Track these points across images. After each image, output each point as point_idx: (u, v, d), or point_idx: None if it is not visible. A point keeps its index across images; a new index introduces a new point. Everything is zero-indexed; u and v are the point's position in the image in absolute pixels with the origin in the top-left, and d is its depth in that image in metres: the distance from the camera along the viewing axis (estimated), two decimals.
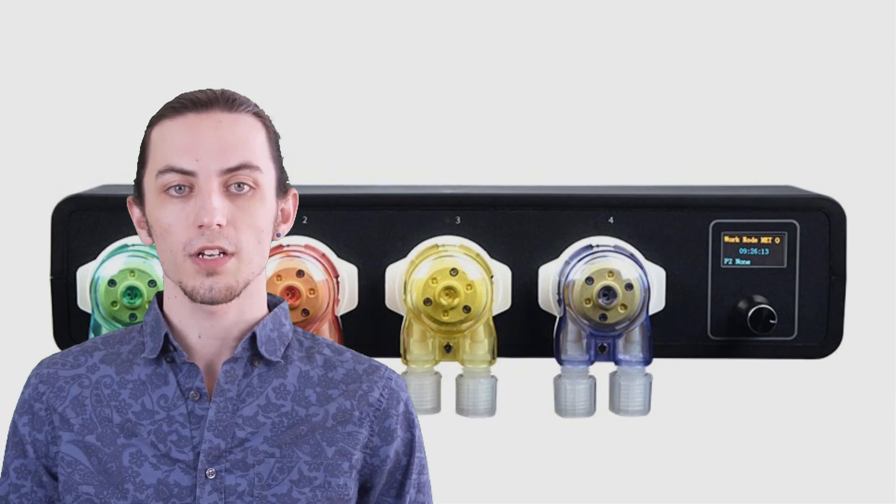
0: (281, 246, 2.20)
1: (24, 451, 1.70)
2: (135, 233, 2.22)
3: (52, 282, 2.25)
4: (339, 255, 2.25)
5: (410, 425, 1.75)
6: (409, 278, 2.19)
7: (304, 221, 2.24)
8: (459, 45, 2.71)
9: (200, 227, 1.60)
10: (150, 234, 1.68)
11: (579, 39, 2.70)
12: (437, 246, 2.23)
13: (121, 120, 2.57)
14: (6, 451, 1.72)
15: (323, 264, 2.19)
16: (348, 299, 2.24)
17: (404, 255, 2.25)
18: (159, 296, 1.72)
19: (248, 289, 1.65)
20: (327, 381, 1.70)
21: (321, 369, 1.71)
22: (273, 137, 1.69)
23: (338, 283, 2.21)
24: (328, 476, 1.66)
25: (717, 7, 2.69)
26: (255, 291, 1.68)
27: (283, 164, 1.71)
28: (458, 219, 2.26)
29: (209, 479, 1.62)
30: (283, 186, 1.70)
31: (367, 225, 2.25)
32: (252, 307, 1.69)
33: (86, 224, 2.24)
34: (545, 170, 2.61)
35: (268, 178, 1.66)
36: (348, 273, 2.24)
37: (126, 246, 2.20)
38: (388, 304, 2.26)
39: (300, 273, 2.15)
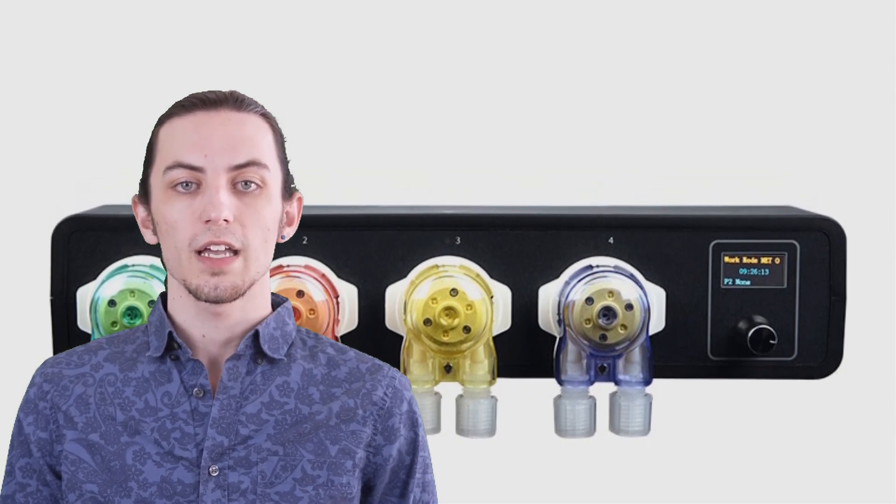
0: (281, 266, 2.20)
1: (28, 451, 1.70)
2: (135, 253, 2.23)
3: (52, 302, 2.24)
4: (339, 276, 2.25)
5: (414, 424, 1.75)
6: (409, 298, 2.19)
7: (304, 242, 2.25)
8: (461, 65, 2.71)
9: (207, 222, 1.60)
10: (154, 233, 1.68)
11: (580, 59, 2.70)
12: (437, 266, 2.23)
13: (121, 140, 2.57)
14: (11, 451, 1.72)
15: (323, 284, 2.19)
16: (348, 319, 2.24)
17: (404, 276, 2.25)
18: (163, 296, 1.72)
19: (252, 289, 1.66)
20: (330, 380, 1.71)
21: (324, 367, 1.71)
22: (280, 140, 1.70)
23: (338, 303, 2.21)
24: (331, 475, 1.66)
25: (717, 24, 2.70)
26: (259, 292, 1.69)
27: (289, 168, 1.72)
28: (458, 239, 2.26)
29: (212, 476, 1.62)
30: (288, 188, 1.71)
31: (367, 245, 2.26)
32: (256, 307, 1.69)
33: (86, 244, 2.24)
34: (545, 190, 2.60)
35: (275, 178, 1.67)
36: (348, 293, 2.24)
37: (126, 266, 2.20)
38: (388, 324, 2.25)
39: (300, 293, 2.15)
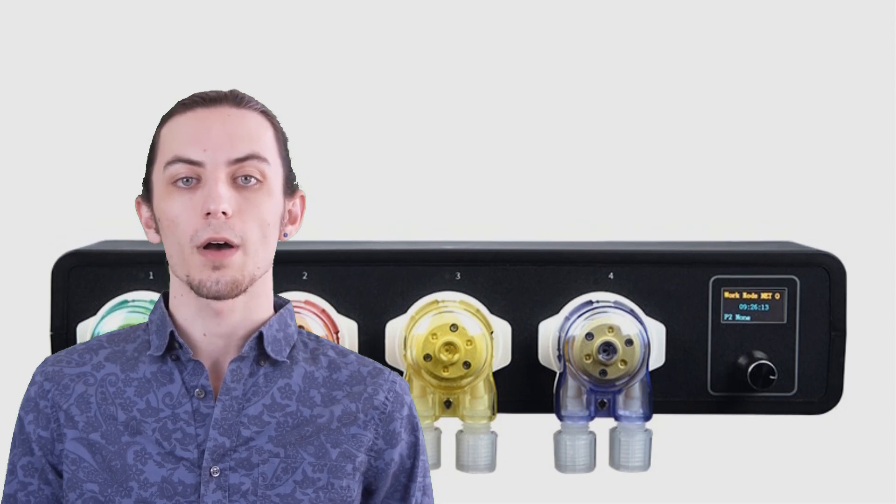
0: None
1: (30, 449, 1.70)
2: (135, 289, 2.23)
3: (52, 337, 2.24)
4: (339, 311, 2.25)
5: (414, 428, 1.75)
6: (409, 334, 2.19)
7: (304, 277, 2.25)
8: (459, 101, 2.72)
9: (207, 215, 1.61)
10: (157, 232, 1.68)
11: (580, 94, 2.71)
12: (437, 301, 2.23)
13: (121, 176, 2.57)
14: (13, 450, 1.72)
15: (323, 320, 2.19)
16: None
17: (404, 311, 2.25)
18: (165, 295, 1.72)
19: (253, 288, 1.66)
20: (332, 383, 1.71)
21: (326, 371, 1.72)
22: (280, 137, 1.71)
23: (338, 338, 2.21)
24: (332, 478, 1.66)
25: (717, 62, 2.71)
26: (261, 292, 1.69)
27: (292, 165, 1.72)
28: (458, 274, 2.26)
29: (213, 477, 1.63)
30: (290, 185, 1.71)
31: (367, 281, 2.26)
32: (258, 307, 1.69)
33: (86, 280, 2.24)
34: (545, 225, 2.61)
35: (275, 173, 1.67)
36: (348, 329, 2.24)
37: (126, 302, 2.20)
38: (389, 359, 2.25)
39: (300, 329, 2.14)
